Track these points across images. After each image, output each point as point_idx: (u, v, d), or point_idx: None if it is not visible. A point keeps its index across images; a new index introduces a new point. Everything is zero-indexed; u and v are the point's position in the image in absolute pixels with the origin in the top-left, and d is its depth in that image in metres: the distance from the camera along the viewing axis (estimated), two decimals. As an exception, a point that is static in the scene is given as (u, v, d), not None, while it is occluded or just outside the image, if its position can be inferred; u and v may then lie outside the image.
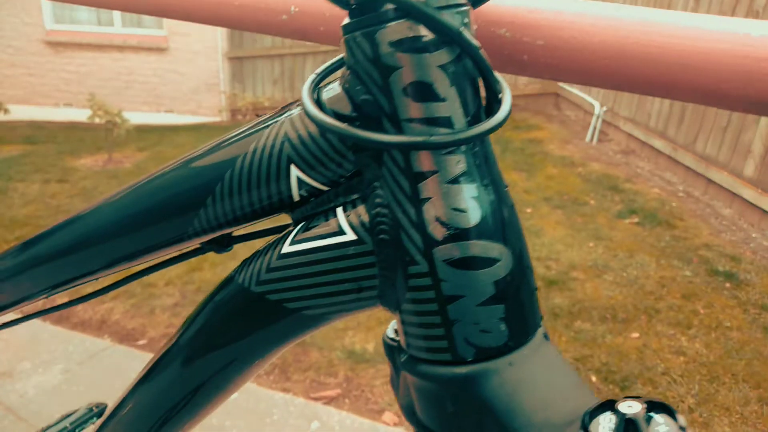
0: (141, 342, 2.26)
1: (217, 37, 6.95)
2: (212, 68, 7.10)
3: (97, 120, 4.92)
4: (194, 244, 0.37)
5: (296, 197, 0.31)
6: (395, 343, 0.35)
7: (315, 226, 0.30)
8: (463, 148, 0.26)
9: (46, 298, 0.45)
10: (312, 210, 0.31)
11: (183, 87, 7.17)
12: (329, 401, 1.89)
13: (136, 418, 0.43)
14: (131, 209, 0.37)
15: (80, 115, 6.56)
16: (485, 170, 0.26)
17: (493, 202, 0.26)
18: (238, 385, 0.38)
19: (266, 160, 0.31)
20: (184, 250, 0.39)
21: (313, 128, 0.29)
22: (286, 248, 0.31)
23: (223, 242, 0.39)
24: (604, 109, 5.27)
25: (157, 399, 0.41)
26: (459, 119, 0.25)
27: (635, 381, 1.91)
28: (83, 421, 0.75)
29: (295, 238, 0.30)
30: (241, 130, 0.33)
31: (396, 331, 0.36)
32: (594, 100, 5.50)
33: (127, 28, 7.00)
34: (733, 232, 3.14)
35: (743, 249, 2.91)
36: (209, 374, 0.37)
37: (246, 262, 0.34)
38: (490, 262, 0.26)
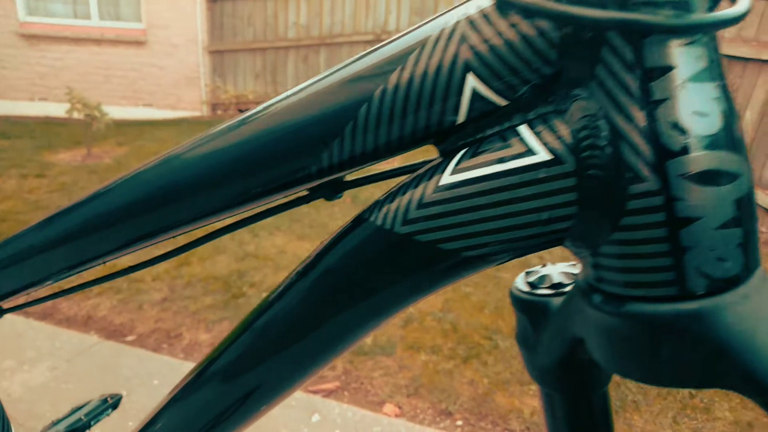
0: (130, 338, 2.19)
1: (197, 30, 6.84)
2: (192, 62, 6.98)
3: (75, 114, 4.79)
4: (301, 191, 0.32)
5: (461, 118, 0.26)
6: (534, 295, 0.32)
7: (488, 150, 0.25)
8: (704, 38, 0.22)
9: (115, 258, 0.40)
10: (476, 133, 0.26)
11: (162, 81, 7.04)
12: (328, 394, 1.85)
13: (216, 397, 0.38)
14: (234, 152, 0.31)
15: (57, 109, 6.40)
16: (721, 69, 0.23)
17: (732, 106, 0.22)
18: (354, 344, 0.33)
19: (432, 74, 0.25)
20: (288, 199, 0.34)
21: (503, 24, 0.24)
22: (447, 179, 0.26)
23: (335, 188, 0.34)
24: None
25: (247, 371, 0.36)
26: (700, 2, 0.21)
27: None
28: (99, 413, 0.71)
29: (459, 167, 0.26)
30: (378, 47, 0.28)
31: (533, 282, 0.33)
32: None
33: (105, 21, 6.84)
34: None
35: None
36: (321, 338, 0.32)
37: (381, 202, 0.29)
38: (732, 177, 0.22)
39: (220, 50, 7.00)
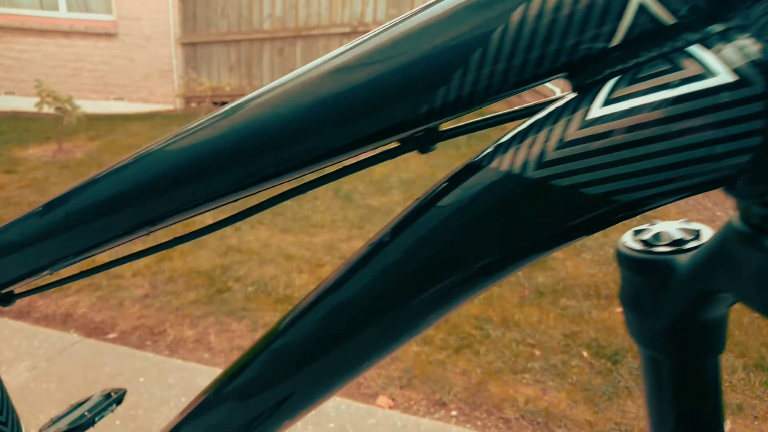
0: (111, 335, 2.13)
1: (169, 21, 6.69)
2: (164, 54, 6.84)
3: (45, 108, 4.64)
4: (392, 142, 0.29)
5: (615, 41, 0.22)
6: (653, 254, 0.30)
7: (652, 75, 0.22)
8: None
9: (147, 234, 0.37)
10: (630, 58, 0.23)
11: (134, 74, 6.88)
12: (320, 388, 1.82)
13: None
14: (327, 99, 0.27)
15: (24, 103, 6.21)
16: None
17: None
18: (452, 310, 0.29)
19: None
20: (377, 151, 0.30)
21: None
22: (597, 112, 0.23)
23: (430, 138, 0.29)
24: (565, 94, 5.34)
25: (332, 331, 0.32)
26: None
27: (626, 354, 1.92)
28: (103, 408, 0.67)
29: (613, 96, 0.22)
30: None
31: (647, 241, 0.31)
32: (554, 86, 5.57)
33: (74, 13, 6.65)
34: (699, 212, 3.22)
35: (711, 228, 2.99)
36: (425, 300, 0.28)
37: (503, 146, 0.25)
38: None
39: (193, 42, 6.86)
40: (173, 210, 0.33)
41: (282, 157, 0.29)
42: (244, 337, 2.07)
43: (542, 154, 0.24)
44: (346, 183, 3.76)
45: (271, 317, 2.17)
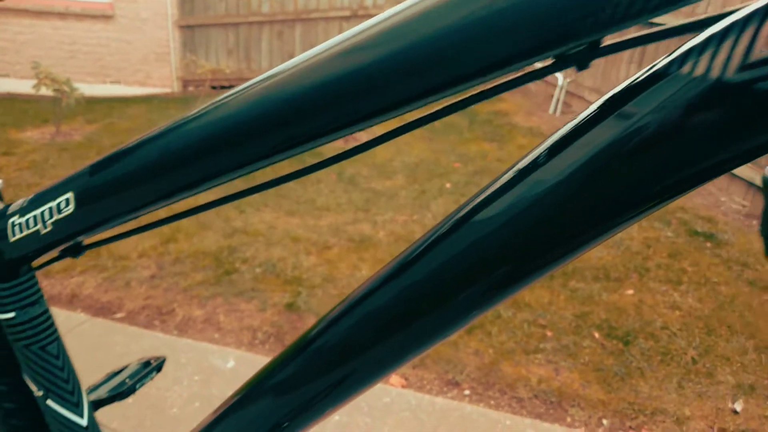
0: (119, 315, 2.11)
1: (166, 3, 6.60)
2: (162, 37, 6.75)
3: (43, 90, 4.57)
4: (548, 58, 0.26)
5: None
6: None
7: None
8: None
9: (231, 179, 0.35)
10: None
11: (131, 57, 6.79)
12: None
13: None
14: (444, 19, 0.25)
15: (20, 85, 6.13)
16: None
17: None
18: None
19: None
20: (513, 76, 0.28)
21: None
22: None
23: (590, 54, 0.26)
24: (568, 80, 5.32)
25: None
26: None
27: (637, 335, 1.92)
28: (143, 376, 0.66)
29: None
30: None
31: None
32: (557, 72, 5.54)
33: (69, -7, 6.54)
34: (704, 197, 3.22)
35: (715, 212, 3.00)
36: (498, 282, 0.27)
37: (697, 49, 0.23)
38: None
39: (190, 25, 6.78)
40: (238, 164, 0.33)
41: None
42: (253, 317, 2.06)
43: (747, 53, 0.22)
44: (349, 167, 3.73)
45: (280, 298, 2.16)
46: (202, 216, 2.94)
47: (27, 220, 0.41)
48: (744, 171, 3.13)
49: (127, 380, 0.65)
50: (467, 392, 1.72)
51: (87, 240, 0.43)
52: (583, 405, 1.66)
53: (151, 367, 0.69)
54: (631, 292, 2.18)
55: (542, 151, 0.27)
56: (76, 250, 0.43)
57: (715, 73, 0.22)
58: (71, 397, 0.50)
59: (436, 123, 4.86)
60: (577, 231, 0.26)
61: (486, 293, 0.29)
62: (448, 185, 3.36)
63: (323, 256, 2.48)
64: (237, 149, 0.32)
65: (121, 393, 0.64)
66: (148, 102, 6.12)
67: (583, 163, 0.25)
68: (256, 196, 3.20)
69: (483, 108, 5.39)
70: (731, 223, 2.83)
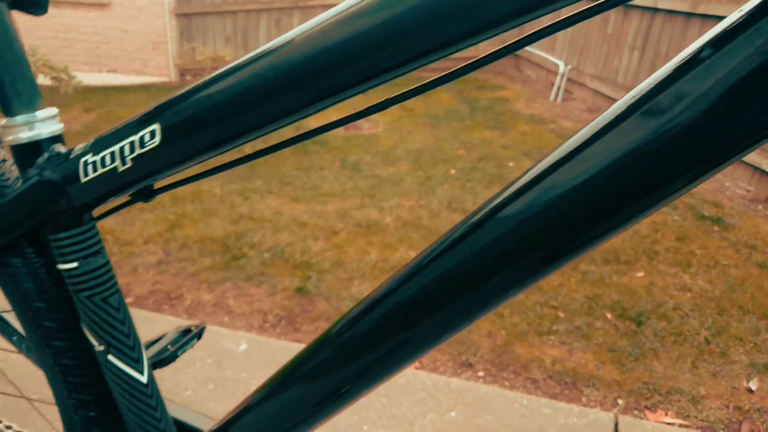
0: (128, 300, 2.09)
1: (163, -9, 6.53)
2: (158, 25, 6.69)
3: (41, 78, 4.53)
4: None
5: None
6: None
7: None
8: None
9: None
10: None
11: (127, 45, 6.73)
12: (344, 350, 1.81)
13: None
14: None
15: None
16: None
17: None
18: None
19: None
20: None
21: None
22: None
23: None
24: (569, 67, 5.31)
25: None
26: None
27: (649, 316, 1.92)
28: (185, 342, 0.65)
29: None
30: None
31: None
32: (558, 59, 5.54)
33: (64, -19, 6.46)
34: (709, 182, 3.22)
35: (721, 197, 3.00)
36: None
37: None
38: None
39: (187, 13, 6.71)
40: (307, 102, 0.33)
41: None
42: (263, 301, 2.05)
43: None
44: (351, 154, 3.72)
45: (289, 282, 2.15)
46: (207, 202, 2.92)
47: (102, 158, 0.39)
48: (749, 156, 3.12)
49: (168, 347, 0.64)
50: (481, 374, 1.72)
51: (158, 184, 0.41)
52: (598, 385, 1.66)
53: (192, 334, 0.67)
54: (641, 274, 2.18)
55: (576, 140, 0.29)
56: (148, 194, 0.42)
57: (737, 61, 0.23)
58: (132, 352, 0.48)
59: (438, 111, 4.84)
60: (609, 215, 0.28)
61: (517, 277, 0.31)
62: (452, 171, 3.35)
63: (331, 241, 2.46)
64: (337, 72, 0.31)
65: (163, 360, 0.63)
66: (146, 90, 6.08)
67: (616, 149, 0.27)
68: (259, 183, 3.18)
69: (484, 95, 5.37)
70: (737, 208, 2.83)
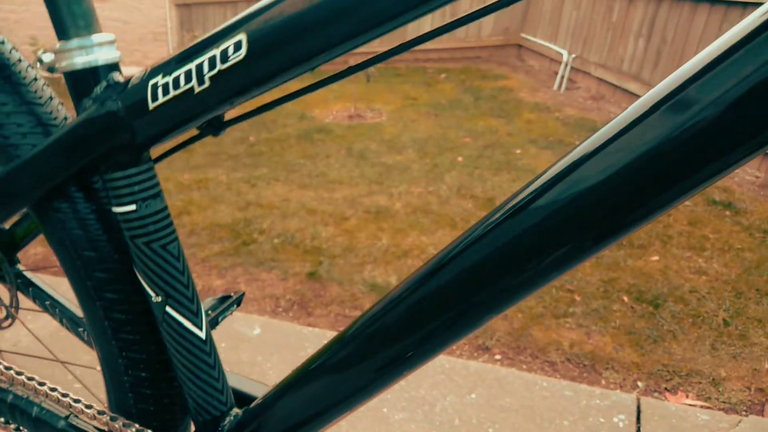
0: (137, 286, 2.07)
1: (163, -18, 6.48)
2: (159, 16, 6.64)
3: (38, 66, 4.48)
4: None
5: None
6: None
7: None
8: None
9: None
10: None
11: (127, 36, 6.68)
12: (359, 334, 1.79)
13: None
14: None
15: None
16: None
17: None
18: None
19: None
20: None
21: None
22: None
23: None
24: (573, 56, 5.28)
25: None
26: None
27: (666, 299, 1.91)
28: (224, 309, 0.63)
29: None
30: None
31: None
32: (561, 48, 5.50)
33: (62, -29, 6.40)
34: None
35: (730, 183, 2.98)
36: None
37: None
38: None
39: (187, 3, 6.66)
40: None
41: None
42: (275, 285, 2.03)
43: None
44: (356, 143, 3.69)
45: (300, 267, 2.13)
46: (213, 189, 2.89)
47: (176, 79, 0.36)
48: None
49: (209, 312, 0.62)
50: (498, 357, 1.70)
51: (228, 116, 0.39)
52: (617, 367, 1.64)
53: (232, 301, 0.65)
54: (655, 258, 2.16)
55: (603, 133, 0.30)
56: (218, 125, 0.39)
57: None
58: (191, 304, 0.45)
59: (441, 100, 4.81)
60: (644, 202, 0.28)
61: (560, 259, 0.31)
62: (460, 159, 3.32)
63: (341, 227, 2.44)
64: None
65: (203, 324, 0.61)
66: (147, 82, 6.04)
67: (647, 141, 0.28)
68: (264, 171, 3.15)
69: (487, 85, 5.34)
70: (747, 194, 2.81)
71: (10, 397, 0.53)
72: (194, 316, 0.46)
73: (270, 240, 2.34)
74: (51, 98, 0.46)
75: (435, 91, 5.16)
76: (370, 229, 2.41)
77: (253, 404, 0.48)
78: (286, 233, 2.39)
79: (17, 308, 0.73)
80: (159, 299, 0.44)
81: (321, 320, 1.86)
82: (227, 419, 0.48)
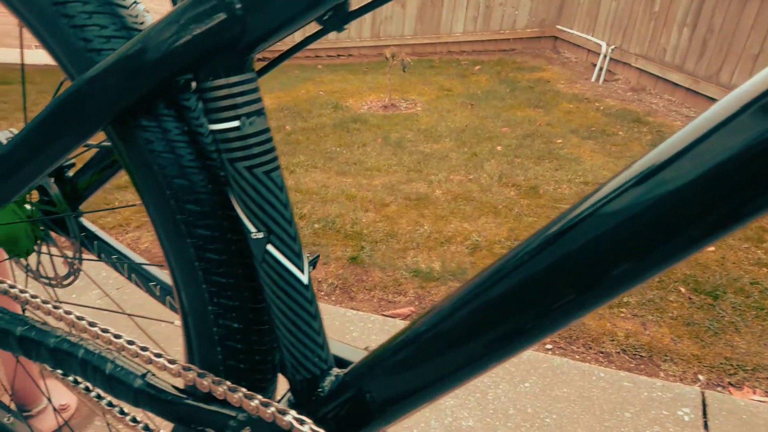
0: (177, 269, 2.05)
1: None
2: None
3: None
4: None
5: None
6: None
7: None
8: None
9: None
10: None
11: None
12: (404, 319, 1.74)
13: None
14: None
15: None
16: None
17: None
18: None
19: None
20: None
21: None
22: None
23: None
24: (612, 47, 5.14)
25: None
26: None
27: (726, 290, 1.81)
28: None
29: None
30: None
31: None
32: (600, 39, 5.36)
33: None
34: None
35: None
36: None
37: None
38: None
39: None
40: None
41: None
42: (317, 270, 1.99)
43: None
44: (393, 132, 3.63)
45: (342, 252, 2.09)
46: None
47: None
48: None
49: None
50: (549, 346, 1.64)
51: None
52: (676, 360, 1.56)
53: (309, 261, 0.61)
54: (712, 248, 2.07)
55: (670, 145, 0.27)
56: (344, 16, 0.34)
57: None
58: (294, 244, 0.41)
59: (477, 91, 4.73)
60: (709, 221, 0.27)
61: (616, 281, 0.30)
62: (498, 148, 3.24)
63: (382, 213, 2.39)
64: None
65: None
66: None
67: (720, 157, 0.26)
68: (302, 158, 3.12)
69: (523, 76, 5.24)
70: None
71: (81, 352, 0.49)
72: (297, 257, 0.41)
73: (311, 225, 2.30)
74: (135, 2, 0.41)
75: (470, 82, 5.08)
76: (411, 216, 2.36)
77: (353, 365, 0.43)
78: (326, 218, 2.35)
79: (81, 262, 0.69)
80: (260, 235, 0.39)
81: (364, 305, 1.81)
82: (327, 379, 0.43)
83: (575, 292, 0.30)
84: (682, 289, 1.83)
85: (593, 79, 5.16)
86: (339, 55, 6.58)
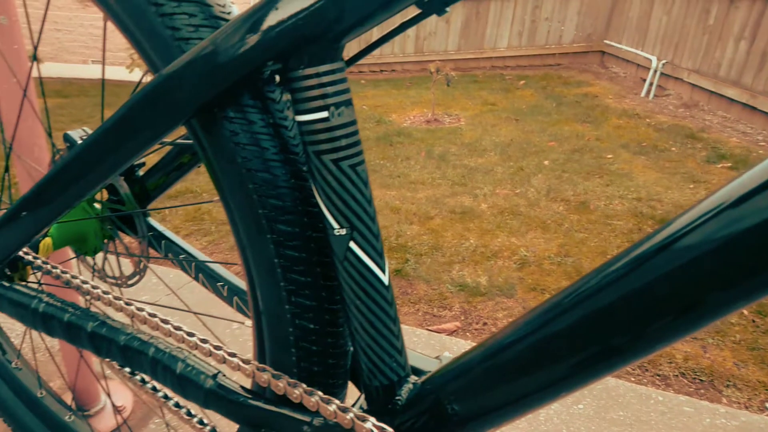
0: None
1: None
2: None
3: (137, 71, 4.70)
4: None
5: None
6: None
7: None
8: None
9: None
10: None
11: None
12: (449, 334, 1.71)
13: None
14: None
15: (111, 72, 6.33)
16: None
17: None
18: None
19: None
20: None
21: None
22: None
23: None
24: (663, 62, 5.01)
25: None
26: None
27: (793, 315, 1.72)
28: None
29: None
30: None
31: None
32: (650, 54, 5.24)
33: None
34: None
35: None
36: None
37: None
38: None
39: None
40: None
41: None
42: (362, 282, 1.98)
43: None
44: (436, 146, 3.62)
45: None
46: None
47: None
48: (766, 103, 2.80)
49: None
50: (602, 366, 1.57)
51: None
52: (740, 386, 1.48)
53: None
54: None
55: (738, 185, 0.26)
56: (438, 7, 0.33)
57: None
58: (376, 242, 0.39)
59: (522, 106, 4.67)
60: None
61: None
62: (546, 162, 3.19)
63: (426, 226, 2.37)
64: None
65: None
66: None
67: None
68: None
69: (569, 91, 5.16)
70: None
71: (151, 350, 0.49)
72: (379, 257, 0.39)
73: (355, 236, 2.30)
74: None
75: (514, 97, 5.03)
76: (456, 229, 2.33)
77: (432, 373, 0.41)
78: (370, 230, 2.35)
79: (148, 261, 0.70)
80: (343, 232, 0.37)
81: (409, 318, 1.79)
82: (405, 387, 0.41)
83: (674, 313, 0.28)
84: (745, 311, 1.74)
85: (643, 94, 5.04)
86: (382, 71, 6.62)
